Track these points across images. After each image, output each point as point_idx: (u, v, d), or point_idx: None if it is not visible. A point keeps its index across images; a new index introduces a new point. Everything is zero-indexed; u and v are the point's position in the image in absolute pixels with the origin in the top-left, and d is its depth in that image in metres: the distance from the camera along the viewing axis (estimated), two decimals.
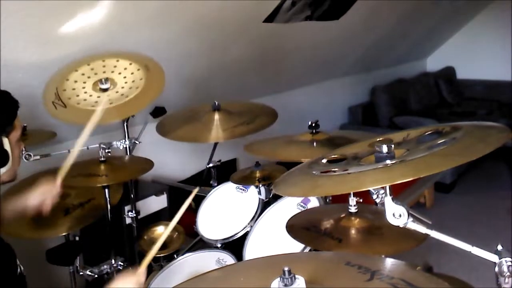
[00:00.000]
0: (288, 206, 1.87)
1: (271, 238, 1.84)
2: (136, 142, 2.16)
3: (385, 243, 1.44)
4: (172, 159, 3.24)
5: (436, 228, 0.98)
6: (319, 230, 1.52)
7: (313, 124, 1.90)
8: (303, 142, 1.90)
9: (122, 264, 2.09)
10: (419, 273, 0.87)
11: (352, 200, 1.54)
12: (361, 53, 4.48)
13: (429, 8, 4.40)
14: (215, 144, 2.29)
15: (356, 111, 4.98)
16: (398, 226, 0.97)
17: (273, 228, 1.85)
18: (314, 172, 1.12)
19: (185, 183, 3.24)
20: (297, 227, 1.58)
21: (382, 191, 0.99)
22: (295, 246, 1.64)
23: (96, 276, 2.04)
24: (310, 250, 1.64)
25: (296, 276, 0.77)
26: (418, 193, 3.85)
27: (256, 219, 1.93)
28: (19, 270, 1.23)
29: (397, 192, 3.28)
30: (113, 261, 2.07)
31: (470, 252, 0.93)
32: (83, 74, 1.91)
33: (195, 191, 1.27)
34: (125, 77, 1.91)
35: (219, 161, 2.35)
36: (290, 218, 1.63)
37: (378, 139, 1.21)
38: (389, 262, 0.92)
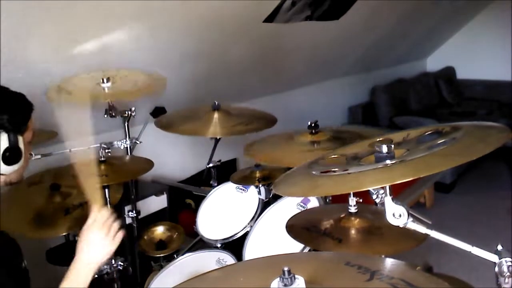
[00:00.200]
0: (288, 206, 1.87)
1: (271, 238, 1.84)
2: (137, 142, 2.16)
3: (385, 243, 1.44)
4: (172, 159, 3.24)
5: (436, 228, 0.98)
6: (319, 230, 1.52)
7: (313, 125, 1.90)
8: (302, 143, 1.89)
9: (122, 264, 2.09)
10: (419, 273, 0.87)
11: (352, 200, 1.54)
12: (361, 53, 4.48)
13: (429, 8, 4.40)
14: (215, 144, 2.29)
15: (356, 111, 4.98)
16: (398, 226, 0.97)
17: (273, 228, 1.85)
18: (314, 172, 1.12)
19: (185, 183, 3.24)
20: (297, 227, 1.58)
21: (382, 191, 0.99)
22: (295, 246, 1.64)
23: (96, 276, 2.03)
24: (310, 250, 1.64)
25: (296, 276, 0.77)
26: (418, 193, 3.85)
27: (256, 219, 1.93)
28: (23, 264, 1.26)
29: (397, 192, 3.28)
30: (113, 261, 2.07)
31: (470, 252, 0.93)
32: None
33: None
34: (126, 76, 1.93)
35: (219, 161, 2.35)
36: (290, 218, 1.63)
37: (378, 139, 1.21)
38: (389, 262, 0.92)
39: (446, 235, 0.95)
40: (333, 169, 1.09)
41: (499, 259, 0.90)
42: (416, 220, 0.98)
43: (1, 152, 1.17)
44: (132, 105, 2.10)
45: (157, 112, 2.40)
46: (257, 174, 2.07)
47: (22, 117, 1.23)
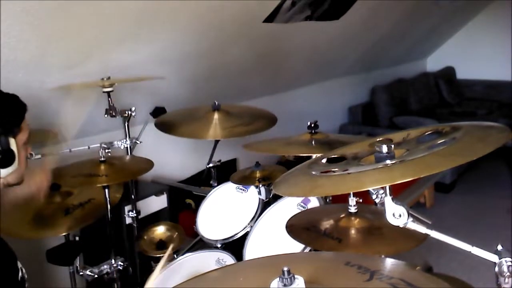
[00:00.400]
0: (288, 206, 1.87)
1: (271, 238, 1.84)
2: (137, 142, 2.16)
3: (385, 243, 1.44)
4: (172, 159, 3.24)
5: (436, 228, 0.98)
6: (319, 230, 1.52)
7: (312, 125, 1.90)
8: (302, 143, 1.89)
9: (122, 264, 2.09)
10: (419, 273, 0.87)
11: (352, 200, 1.54)
12: (361, 53, 4.48)
13: (429, 8, 4.40)
14: (215, 144, 2.29)
15: (356, 111, 4.97)
16: (398, 226, 0.97)
17: (273, 228, 1.85)
18: (314, 172, 1.12)
19: (185, 183, 3.24)
20: (297, 227, 1.58)
21: (382, 191, 0.99)
22: (295, 246, 1.64)
23: (96, 276, 2.04)
24: (310, 250, 1.64)
25: (296, 276, 0.77)
26: (418, 193, 3.85)
27: (256, 219, 1.93)
28: (20, 274, 1.23)
29: (397, 192, 3.28)
30: (113, 261, 2.07)
31: (470, 252, 0.93)
32: None
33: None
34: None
35: (219, 161, 2.34)
36: (290, 218, 1.63)
37: (378, 139, 1.21)
38: (389, 262, 0.92)
39: (446, 235, 0.95)
40: (333, 169, 1.09)
41: (499, 259, 0.90)
42: (416, 220, 0.98)
43: None
44: (132, 105, 2.11)
45: (157, 112, 2.40)
46: (257, 174, 2.06)
47: (14, 119, 1.22)
